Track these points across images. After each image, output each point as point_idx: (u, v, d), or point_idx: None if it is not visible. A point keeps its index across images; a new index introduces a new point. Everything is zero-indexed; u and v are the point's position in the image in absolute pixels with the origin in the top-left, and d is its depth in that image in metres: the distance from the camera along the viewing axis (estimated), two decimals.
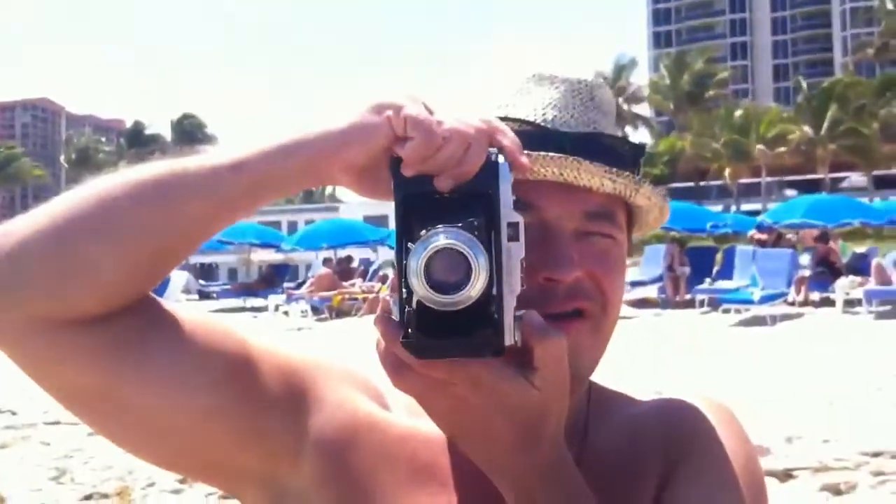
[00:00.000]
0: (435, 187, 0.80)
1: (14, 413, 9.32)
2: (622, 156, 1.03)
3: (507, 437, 0.83)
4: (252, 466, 1.00)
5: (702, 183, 71.20)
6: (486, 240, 0.75)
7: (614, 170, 0.99)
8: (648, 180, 1.04)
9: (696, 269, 19.85)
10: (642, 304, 20.20)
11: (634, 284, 20.88)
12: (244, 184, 0.87)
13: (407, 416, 1.04)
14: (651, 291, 21.35)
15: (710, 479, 1.04)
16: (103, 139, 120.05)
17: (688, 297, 19.26)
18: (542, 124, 1.03)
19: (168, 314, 0.94)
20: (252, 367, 0.98)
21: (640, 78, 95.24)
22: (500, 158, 0.82)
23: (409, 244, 0.74)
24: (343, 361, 1.10)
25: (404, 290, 0.74)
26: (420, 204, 0.78)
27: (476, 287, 0.72)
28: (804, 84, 71.11)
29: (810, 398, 8.78)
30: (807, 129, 61.97)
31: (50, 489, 6.40)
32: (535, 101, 1.05)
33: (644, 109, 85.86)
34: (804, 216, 20.28)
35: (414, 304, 0.74)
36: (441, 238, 0.72)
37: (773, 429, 7.32)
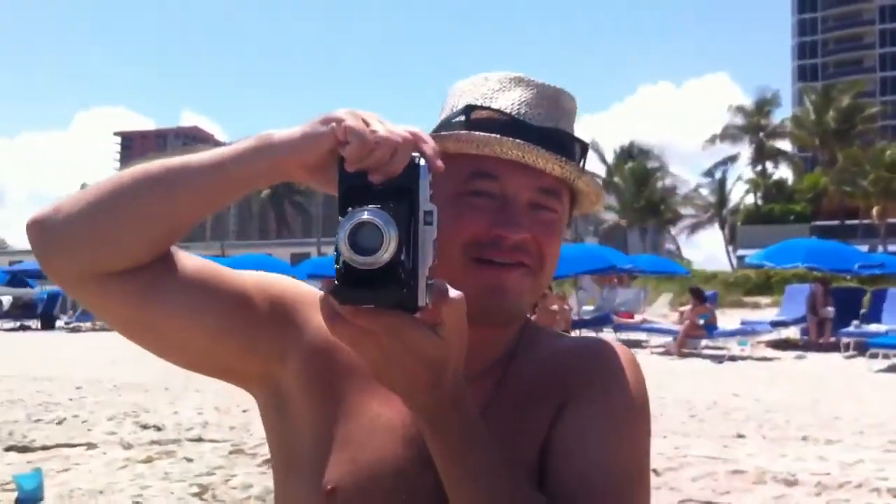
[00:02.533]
0: (369, 181, 1.00)
1: (159, 429, 9.66)
2: (573, 150, 1.31)
3: (417, 376, 1.03)
4: (252, 370, 1.31)
5: (847, 221, 68.56)
6: (406, 223, 0.95)
7: (564, 159, 1.26)
8: (591, 173, 1.33)
9: (841, 311, 18.99)
10: (784, 345, 19.55)
11: (775, 325, 20.22)
12: (224, 179, 1.12)
13: None
14: (793, 332, 20.64)
15: (605, 406, 1.27)
16: None
17: (832, 339, 18.48)
18: (516, 116, 1.29)
19: (181, 263, 1.22)
20: (248, 297, 1.27)
21: (783, 111, 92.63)
22: (422, 161, 1.03)
23: (341, 219, 0.94)
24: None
25: (335, 253, 0.94)
26: (358, 193, 0.98)
27: (387, 252, 0.91)
28: None
29: None
30: None
31: None
32: (513, 98, 1.32)
33: (785, 144, 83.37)
34: None
35: (341, 264, 0.94)
36: (364, 214, 0.92)
37: None
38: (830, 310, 18.90)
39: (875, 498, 6.53)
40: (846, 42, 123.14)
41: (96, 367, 16.25)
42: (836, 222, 67.48)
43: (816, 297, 19.33)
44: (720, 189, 79.83)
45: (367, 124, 1.04)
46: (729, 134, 79.50)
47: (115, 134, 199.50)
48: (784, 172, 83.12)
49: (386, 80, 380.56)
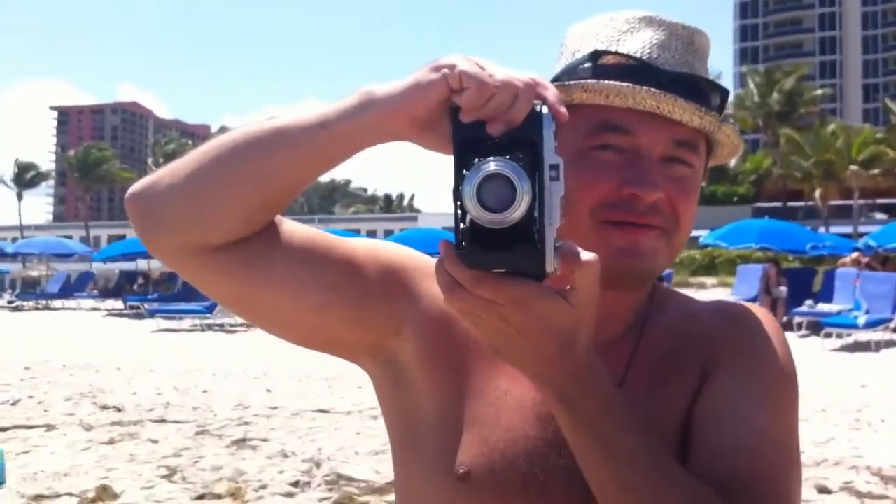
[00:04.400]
0: (488, 132, 0.89)
1: (119, 409, 9.42)
2: (710, 97, 1.18)
3: (547, 349, 0.93)
4: (364, 342, 1.23)
5: (789, 203, 69.62)
6: (531, 178, 0.83)
7: (703, 108, 1.14)
8: (730, 120, 1.13)
9: (793, 291, 19.20)
10: None
11: None
12: (328, 138, 1.02)
13: None
14: None
15: (754, 376, 1.16)
16: (189, 143, 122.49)
17: (785, 319, 18.69)
18: (647, 61, 1.16)
19: (287, 234, 1.15)
20: (358, 266, 1.19)
21: None
22: (545, 109, 0.91)
23: (465, 171, 0.83)
24: None
25: (459, 211, 0.84)
26: (475, 145, 0.87)
27: (520, 208, 0.81)
28: (893, 106, 69.43)
29: None
30: None
31: (162, 487, 6.38)
32: (643, 40, 1.18)
33: None
34: None
35: (467, 222, 0.84)
36: (492, 165, 0.81)
37: (883, 455, 7.08)
38: (783, 289, 19.08)
39: (854, 475, 6.59)
40: (787, 25, 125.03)
41: (42, 347, 15.89)
42: (778, 204, 68.50)
43: (770, 276, 19.52)
44: None
45: (482, 69, 0.94)
46: None
47: (52, 108, 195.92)
48: None
49: (338, 53, 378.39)
